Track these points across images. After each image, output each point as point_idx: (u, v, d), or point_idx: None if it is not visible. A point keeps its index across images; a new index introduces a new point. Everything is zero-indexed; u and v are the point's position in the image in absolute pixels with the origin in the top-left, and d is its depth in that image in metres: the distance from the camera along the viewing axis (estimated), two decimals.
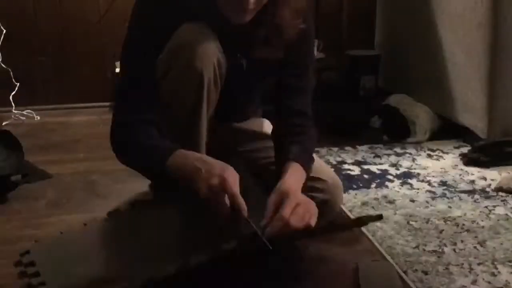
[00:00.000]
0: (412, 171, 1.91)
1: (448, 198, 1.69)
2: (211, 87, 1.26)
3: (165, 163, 1.16)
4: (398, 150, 2.13)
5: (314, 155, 1.41)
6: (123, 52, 1.30)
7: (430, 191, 1.74)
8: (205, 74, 1.23)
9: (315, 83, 1.47)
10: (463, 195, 1.70)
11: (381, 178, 1.85)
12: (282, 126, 1.40)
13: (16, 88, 2.64)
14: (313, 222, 1.17)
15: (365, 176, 1.87)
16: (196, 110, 1.26)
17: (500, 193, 1.71)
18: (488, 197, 1.69)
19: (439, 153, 2.09)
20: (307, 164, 1.33)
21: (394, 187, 1.77)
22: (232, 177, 1.10)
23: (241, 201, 1.09)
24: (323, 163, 1.53)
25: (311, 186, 1.40)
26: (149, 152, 1.22)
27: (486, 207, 1.62)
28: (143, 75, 1.25)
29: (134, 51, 1.27)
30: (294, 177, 1.25)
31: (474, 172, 1.89)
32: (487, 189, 1.75)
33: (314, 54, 1.50)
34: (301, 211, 1.15)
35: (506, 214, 1.57)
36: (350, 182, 1.81)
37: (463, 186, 1.78)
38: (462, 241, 1.42)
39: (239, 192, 1.09)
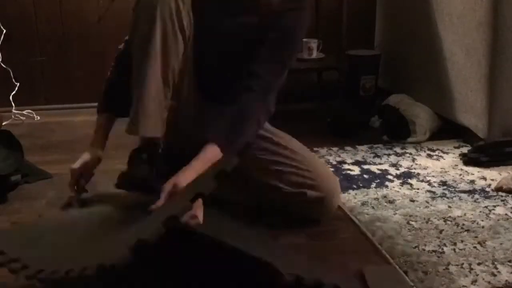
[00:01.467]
0: (412, 171, 1.91)
1: (448, 198, 1.68)
2: (168, 31, 1.29)
3: (98, 112, 1.52)
4: (398, 150, 2.13)
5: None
6: None
7: (430, 191, 1.74)
8: (158, 15, 1.28)
9: (290, 64, 1.48)
10: (463, 195, 1.70)
11: (381, 178, 1.85)
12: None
13: (16, 88, 2.64)
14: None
15: (365, 176, 1.87)
16: (145, 49, 1.30)
17: (500, 193, 1.71)
18: (488, 197, 1.69)
19: (439, 153, 2.09)
20: (225, 141, 1.33)
21: (394, 187, 1.77)
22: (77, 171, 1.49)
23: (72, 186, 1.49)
24: (317, 160, 1.54)
25: (302, 183, 1.41)
26: (106, 89, 1.52)
27: (486, 207, 1.62)
28: None
29: None
30: (196, 164, 1.29)
31: (474, 172, 1.89)
32: (487, 189, 1.75)
33: (298, 38, 1.53)
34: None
35: (506, 214, 1.57)
36: (350, 182, 1.81)
37: (463, 186, 1.78)
38: (462, 241, 1.42)
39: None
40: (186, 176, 1.27)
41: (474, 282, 1.23)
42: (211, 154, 1.31)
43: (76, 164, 1.50)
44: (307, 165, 1.46)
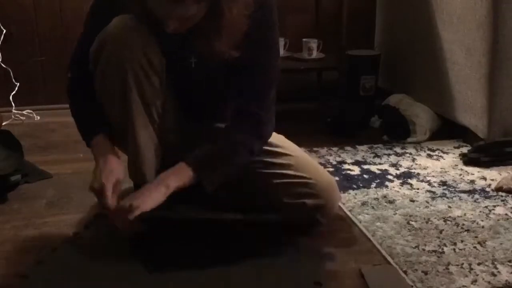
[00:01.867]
0: (412, 171, 1.91)
1: (448, 198, 1.69)
2: (141, 79, 1.29)
3: (89, 142, 1.38)
4: (398, 150, 2.13)
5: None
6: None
7: (430, 191, 1.74)
8: (128, 67, 1.27)
9: (276, 86, 1.40)
10: (463, 195, 1.70)
11: (381, 178, 1.85)
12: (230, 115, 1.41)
13: (16, 88, 2.64)
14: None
15: (365, 176, 1.87)
16: (125, 106, 1.31)
17: (500, 193, 1.71)
18: (488, 197, 1.69)
19: (439, 153, 2.09)
20: (200, 170, 1.30)
21: (394, 187, 1.77)
22: (110, 188, 1.29)
23: (108, 204, 1.28)
24: (315, 165, 1.49)
25: (300, 192, 1.37)
26: (81, 121, 1.41)
27: (486, 207, 1.62)
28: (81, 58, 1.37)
29: (84, 30, 1.42)
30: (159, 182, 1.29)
31: (474, 172, 1.89)
32: (487, 189, 1.75)
33: (274, 55, 1.40)
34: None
35: (506, 214, 1.57)
36: (350, 182, 1.81)
37: (463, 186, 1.78)
38: (462, 241, 1.42)
39: (109, 196, 1.28)
40: (145, 199, 1.26)
41: (474, 282, 1.23)
42: (175, 172, 1.30)
43: (107, 185, 1.31)
44: (305, 171, 1.41)
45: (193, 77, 1.37)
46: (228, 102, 1.46)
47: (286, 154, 1.44)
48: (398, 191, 1.74)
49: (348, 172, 1.91)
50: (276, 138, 1.49)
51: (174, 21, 1.17)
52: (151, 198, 1.26)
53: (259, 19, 1.28)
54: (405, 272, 1.27)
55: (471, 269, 1.28)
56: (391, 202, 1.66)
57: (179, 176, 1.29)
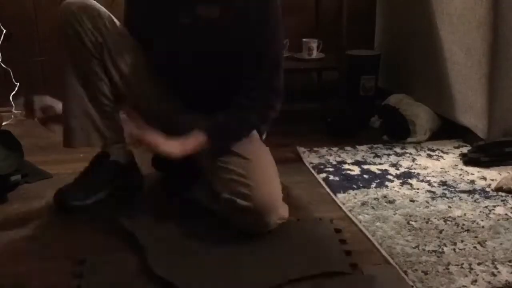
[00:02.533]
0: (412, 171, 1.91)
1: (448, 198, 1.68)
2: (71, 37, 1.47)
3: None
4: (398, 150, 2.13)
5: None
6: None
7: (430, 191, 1.74)
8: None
9: (278, 64, 1.47)
10: (463, 195, 1.70)
11: (381, 178, 1.85)
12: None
13: (16, 88, 2.64)
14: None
15: (365, 176, 1.87)
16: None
17: (500, 193, 1.71)
18: (488, 197, 1.69)
19: (439, 153, 2.09)
20: (211, 136, 1.40)
21: (394, 187, 1.77)
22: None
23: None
24: (269, 175, 1.47)
25: (238, 191, 1.37)
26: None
27: (486, 207, 1.62)
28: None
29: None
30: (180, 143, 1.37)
31: (474, 172, 1.89)
32: (487, 189, 1.75)
33: (277, 33, 1.46)
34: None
35: (506, 214, 1.57)
36: (350, 182, 1.81)
37: (463, 186, 1.78)
38: (462, 241, 1.42)
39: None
40: (166, 143, 1.35)
41: (474, 282, 1.23)
42: (196, 140, 1.39)
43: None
44: (251, 175, 1.39)
45: (186, 41, 1.43)
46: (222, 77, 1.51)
47: (244, 157, 1.46)
48: (398, 191, 1.74)
49: (348, 172, 1.91)
50: (253, 145, 1.52)
51: None
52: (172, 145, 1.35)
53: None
54: (405, 272, 1.27)
55: (471, 269, 1.28)
56: (391, 202, 1.66)
57: (196, 143, 1.39)
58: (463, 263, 1.31)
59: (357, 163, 2.00)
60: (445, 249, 1.38)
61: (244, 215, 1.36)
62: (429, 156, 2.06)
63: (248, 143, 1.49)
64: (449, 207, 1.62)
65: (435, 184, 1.79)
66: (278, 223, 1.43)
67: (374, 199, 1.68)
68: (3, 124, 2.33)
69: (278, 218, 1.43)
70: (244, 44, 1.41)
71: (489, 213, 1.58)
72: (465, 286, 1.22)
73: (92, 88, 1.51)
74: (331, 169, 1.92)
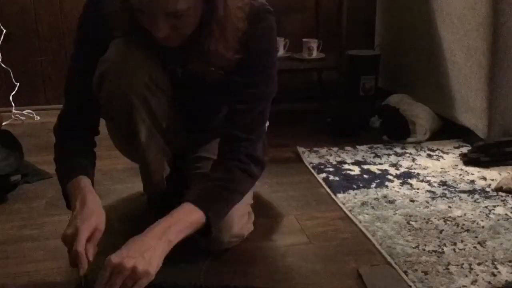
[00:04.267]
0: (412, 171, 1.91)
1: (448, 198, 1.68)
2: (149, 99, 1.27)
3: (65, 187, 1.24)
4: (398, 150, 2.13)
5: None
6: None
7: (430, 191, 1.74)
8: (134, 96, 1.25)
9: (266, 119, 1.36)
10: (463, 195, 1.70)
11: (381, 178, 1.85)
12: (218, 154, 1.31)
13: (16, 88, 2.64)
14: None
15: (365, 176, 1.87)
16: (132, 133, 1.30)
17: (500, 193, 1.71)
18: (488, 197, 1.69)
19: (439, 153, 2.09)
20: (203, 209, 1.17)
21: (394, 187, 1.77)
22: (85, 233, 1.09)
23: (82, 259, 1.06)
24: (237, 211, 1.32)
25: None
26: (60, 166, 1.30)
27: (486, 207, 1.62)
28: (76, 87, 1.33)
29: (73, 62, 1.34)
30: (155, 230, 1.12)
31: (474, 172, 1.89)
32: (487, 189, 1.75)
33: (270, 82, 1.32)
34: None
35: (506, 214, 1.57)
36: (350, 182, 1.81)
37: (463, 186, 1.78)
38: (462, 241, 1.42)
39: (83, 247, 1.07)
40: (135, 250, 1.07)
41: (474, 282, 1.23)
42: (185, 212, 1.16)
43: (81, 229, 1.11)
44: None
45: (180, 86, 1.35)
46: (219, 119, 1.43)
47: None
48: (398, 191, 1.74)
49: (348, 172, 1.91)
50: None
51: (164, 24, 1.11)
52: (157, 255, 1.07)
53: (255, 37, 1.24)
54: (405, 272, 1.27)
55: (471, 269, 1.28)
56: (391, 202, 1.66)
57: (186, 219, 1.16)
58: (463, 263, 1.31)
59: (357, 163, 2.00)
60: (445, 249, 1.38)
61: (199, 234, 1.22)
62: (429, 156, 2.06)
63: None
64: (449, 207, 1.62)
65: (435, 184, 1.79)
66: (234, 241, 1.34)
67: (374, 199, 1.68)
68: (3, 124, 2.33)
69: (233, 236, 1.32)
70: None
71: (489, 213, 1.58)
72: (465, 286, 1.22)
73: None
74: (331, 169, 1.92)
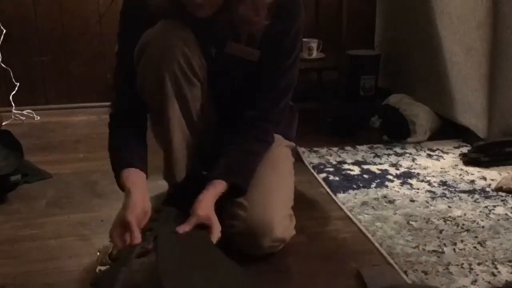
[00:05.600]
0: (412, 171, 1.91)
1: (448, 198, 1.69)
2: (180, 83, 1.28)
3: (118, 175, 1.28)
4: (398, 150, 2.13)
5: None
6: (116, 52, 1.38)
7: (430, 191, 1.74)
8: (167, 72, 1.26)
9: (294, 86, 1.39)
10: (463, 195, 1.70)
11: (381, 178, 1.85)
12: (238, 126, 1.37)
13: (16, 88, 2.64)
14: None
15: (365, 176, 1.87)
16: (163, 109, 1.30)
17: (500, 193, 1.71)
18: (488, 197, 1.69)
19: (439, 153, 2.09)
20: (231, 180, 1.27)
21: (394, 187, 1.77)
22: (134, 219, 1.16)
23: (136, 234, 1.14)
24: (274, 187, 1.35)
25: (234, 213, 1.29)
26: (113, 155, 1.33)
27: (486, 207, 1.62)
28: (127, 70, 1.32)
29: (120, 51, 1.36)
30: (206, 201, 1.23)
31: (474, 172, 1.89)
32: (487, 189, 1.75)
33: (295, 55, 1.37)
34: None
35: (506, 214, 1.57)
36: (350, 182, 1.81)
37: (463, 186, 1.78)
38: (462, 241, 1.42)
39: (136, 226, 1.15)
40: (208, 208, 1.23)
41: (474, 282, 1.23)
42: (219, 187, 1.26)
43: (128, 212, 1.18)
44: (250, 193, 1.30)
45: (214, 68, 1.35)
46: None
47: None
48: (398, 191, 1.74)
49: (348, 172, 1.91)
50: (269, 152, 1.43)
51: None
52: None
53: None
54: (405, 272, 1.27)
55: (471, 269, 1.28)
56: (391, 202, 1.66)
57: (217, 190, 1.26)
58: (463, 263, 1.31)
59: (357, 163, 2.00)
60: (445, 249, 1.38)
61: (240, 236, 1.28)
62: (429, 156, 2.06)
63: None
64: (449, 207, 1.62)
65: (435, 184, 1.79)
66: (275, 245, 1.31)
67: (374, 199, 1.68)
68: (3, 124, 2.33)
69: (275, 241, 1.29)
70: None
71: (489, 213, 1.58)
72: (465, 286, 1.22)
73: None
74: (331, 169, 1.92)
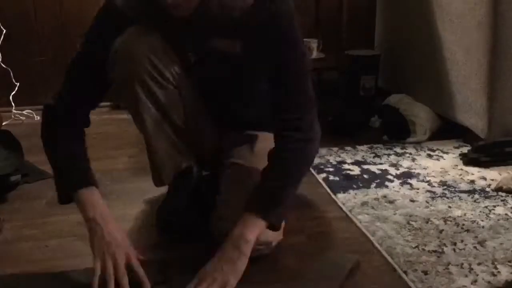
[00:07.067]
0: (412, 171, 1.91)
1: (448, 198, 1.69)
2: (151, 89, 1.28)
3: (72, 195, 1.24)
4: (398, 150, 2.13)
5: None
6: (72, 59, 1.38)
7: (430, 191, 1.74)
8: (136, 80, 1.26)
9: (312, 90, 1.29)
10: (463, 195, 1.70)
11: (381, 178, 1.85)
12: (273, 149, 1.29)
13: (16, 88, 2.64)
14: None
15: (365, 176, 1.87)
16: (139, 116, 1.31)
17: (500, 193, 1.71)
18: (488, 197, 1.69)
19: (439, 153, 2.09)
20: (266, 213, 1.20)
21: (394, 187, 1.77)
22: (121, 259, 1.15)
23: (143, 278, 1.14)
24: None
25: (217, 212, 1.30)
26: (64, 171, 1.28)
27: (486, 207, 1.62)
28: (81, 81, 1.34)
29: (77, 59, 1.36)
30: (232, 243, 1.17)
31: (474, 172, 1.89)
32: (487, 189, 1.75)
33: (298, 58, 1.27)
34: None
35: (506, 214, 1.57)
36: (350, 182, 1.81)
37: (463, 186, 1.78)
38: (462, 241, 1.42)
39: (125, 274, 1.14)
40: (233, 271, 1.15)
41: (474, 282, 1.23)
42: (250, 228, 1.18)
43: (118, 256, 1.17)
44: (234, 193, 1.31)
45: (195, 74, 1.35)
46: (246, 107, 1.43)
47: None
48: (398, 191, 1.74)
49: (348, 172, 1.91)
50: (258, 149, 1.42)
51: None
52: (238, 269, 1.15)
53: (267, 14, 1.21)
54: (405, 272, 1.27)
55: (471, 269, 1.28)
56: (391, 202, 1.66)
57: (252, 228, 1.18)
58: (463, 263, 1.31)
59: (357, 163, 2.00)
60: (445, 249, 1.38)
61: (222, 237, 1.22)
62: (429, 156, 2.06)
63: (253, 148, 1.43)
64: (449, 207, 1.62)
65: (435, 184, 1.79)
66: (260, 249, 1.27)
67: (374, 199, 1.68)
68: (3, 124, 2.33)
69: (258, 244, 1.24)
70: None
71: (489, 213, 1.58)
72: (465, 286, 1.22)
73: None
74: (331, 169, 1.92)
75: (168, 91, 1.31)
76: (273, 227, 1.22)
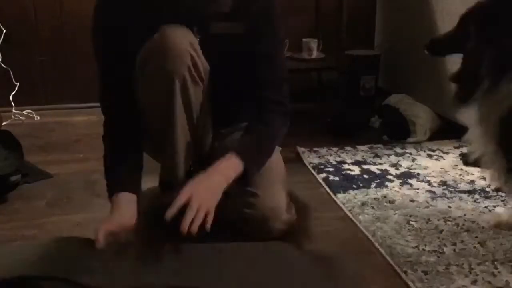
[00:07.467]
0: (412, 171, 1.91)
1: (448, 198, 1.68)
2: (187, 85, 1.28)
3: (110, 197, 1.33)
4: (398, 150, 2.13)
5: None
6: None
7: (430, 191, 1.73)
8: (176, 77, 1.26)
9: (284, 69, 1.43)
10: (463, 195, 1.70)
11: (381, 178, 1.85)
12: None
13: (16, 88, 2.64)
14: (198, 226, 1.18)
15: (365, 176, 1.87)
16: (170, 114, 1.30)
17: (500, 193, 1.71)
18: (488, 197, 1.69)
19: (439, 153, 2.09)
20: (245, 157, 1.28)
21: (394, 187, 1.77)
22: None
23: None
24: (278, 179, 1.40)
25: (245, 201, 1.33)
26: (107, 174, 1.36)
27: (486, 207, 1.62)
28: (112, 81, 1.36)
29: (100, 59, 1.40)
30: (212, 174, 1.26)
31: (474, 172, 1.89)
32: (487, 189, 1.75)
33: (278, 35, 1.41)
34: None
35: None
36: (350, 182, 1.81)
37: (463, 186, 1.78)
38: (462, 241, 1.42)
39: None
40: (202, 188, 1.22)
41: (474, 282, 1.23)
42: (228, 163, 1.27)
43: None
44: (260, 183, 1.34)
45: (205, 53, 1.35)
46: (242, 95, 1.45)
47: None
48: (398, 191, 1.74)
49: (348, 172, 1.91)
50: None
51: None
52: (215, 196, 1.23)
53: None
54: (405, 272, 1.27)
55: (471, 269, 1.28)
56: (391, 202, 1.66)
57: (232, 167, 1.27)
58: (463, 263, 1.31)
59: (357, 163, 2.00)
60: (445, 249, 1.38)
61: (250, 223, 1.33)
62: (429, 156, 2.06)
63: None
64: (449, 207, 1.62)
65: (435, 184, 1.79)
66: (281, 229, 1.37)
67: (374, 199, 1.68)
68: (3, 124, 2.33)
69: (284, 223, 1.37)
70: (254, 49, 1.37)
71: (489, 213, 1.57)
72: (465, 286, 1.22)
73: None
74: (331, 169, 1.92)
75: (198, 88, 1.32)
76: (247, 172, 1.28)
